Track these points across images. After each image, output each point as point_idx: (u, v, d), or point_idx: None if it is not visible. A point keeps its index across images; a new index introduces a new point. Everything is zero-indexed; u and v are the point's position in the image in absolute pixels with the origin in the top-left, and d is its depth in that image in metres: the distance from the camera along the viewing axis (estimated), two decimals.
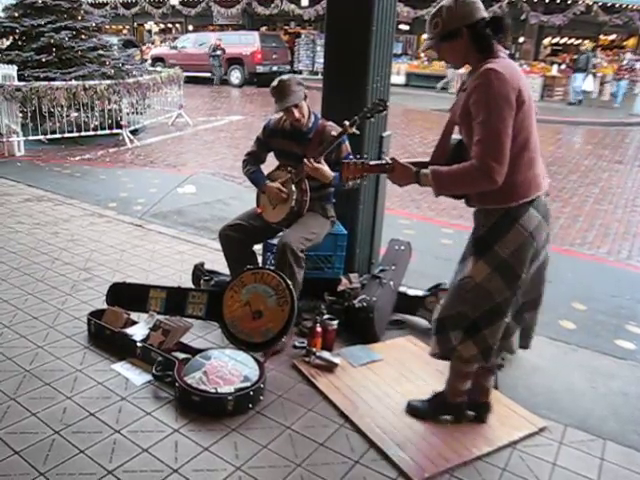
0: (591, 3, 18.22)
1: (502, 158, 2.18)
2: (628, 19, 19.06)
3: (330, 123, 3.50)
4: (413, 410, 2.84)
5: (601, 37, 26.35)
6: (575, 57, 18.37)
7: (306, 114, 3.48)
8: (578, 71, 17.55)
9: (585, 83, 17.49)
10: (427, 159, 2.52)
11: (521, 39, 22.74)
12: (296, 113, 3.42)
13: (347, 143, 3.48)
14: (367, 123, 3.56)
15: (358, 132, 3.31)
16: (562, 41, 25.94)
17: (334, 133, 3.33)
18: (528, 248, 2.34)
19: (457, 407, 2.78)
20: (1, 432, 2.58)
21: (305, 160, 3.31)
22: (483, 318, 2.44)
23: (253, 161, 3.71)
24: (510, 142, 2.19)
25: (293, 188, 3.43)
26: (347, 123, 3.20)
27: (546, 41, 24.65)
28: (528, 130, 2.28)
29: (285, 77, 3.47)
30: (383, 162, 2.50)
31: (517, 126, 2.22)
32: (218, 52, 20.53)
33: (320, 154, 3.32)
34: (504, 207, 2.31)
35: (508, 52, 2.35)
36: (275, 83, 3.45)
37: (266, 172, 3.68)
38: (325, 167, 3.34)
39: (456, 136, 2.48)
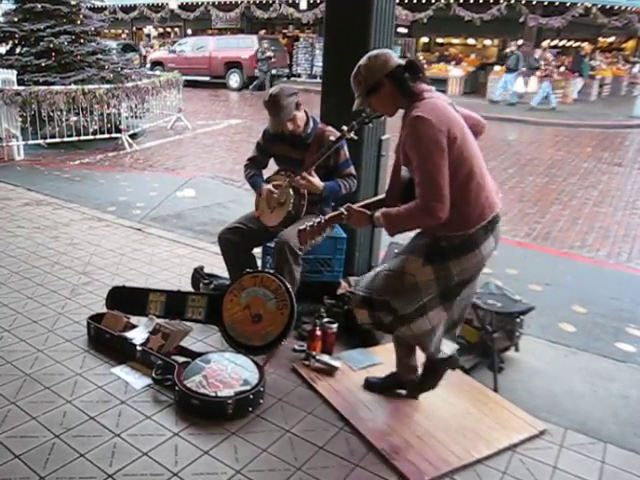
0: (590, 5, 18.25)
1: (441, 197, 2.32)
2: (627, 21, 19.11)
3: (329, 128, 3.50)
4: (370, 385, 3.03)
5: (600, 39, 26.36)
6: (506, 57, 17.99)
7: (302, 123, 3.49)
8: (509, 72, 17.35)
9: (516, 84, 17.25)
10: (382, 196, 2.72)
11: (520, 41, 22.76)
12: (290, 126, 3.44)
13: (345, 149, 3.48)
14: (366, 127, 3.56)
15: (356, 137, 3.31)
16: (561, 44, 25.95)
17: (333, 138, 3.33)
18: (475, 270, 2.57)
19: (410, 383, 2.96)
20: (1, 436, 2.58)
21: (297, 178, 3.32)
22: (410, 315, 2.60)
23: (254, 166, 3.73)
24: (449, 178, 2.34)
25: (291, 192, 3.44)
26: (345, 128, 3.20)
27: (545, 43, 24.63)
28: (469, 161, 2.42)
29: (274, 91, 3.43)
30: (338, 212, 2.65)
31: (456, 162, 2.37)
32: (268, 54, 20.32)
33: (317, 159, 3.32)
34: (465, 233, 2.46)
35: (433, 89, 2.52)
36: (266, 98, 3.46)
37: (267, 176, 3.69)
38: (315, 179, 3.37)
39: (405, 173, 2.59)
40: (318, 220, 2.69)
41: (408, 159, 2.42)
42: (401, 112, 2.53)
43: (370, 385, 3.05)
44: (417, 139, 2.34)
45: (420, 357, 2.91)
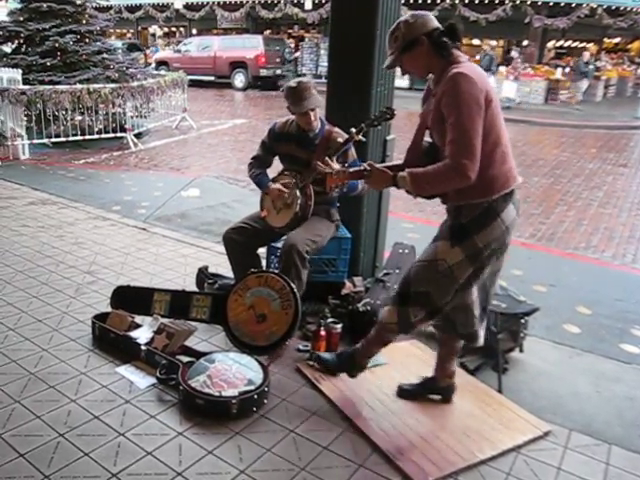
0: (595, 6, 18.22)
1: (473, 156, 2.30)
2: (632, 22, 19.06)
3: (337, 129, 3.50)
4: (405, 392, 2.98)
5: (605, 40, 26.31)
6: (478, 57, 17.84)
7: (318, 119, 3.49)
8: None
9: (504, 89, 17.19)
10: (399, 162, 2.66)
11: (525, 42, 22.73)
12: (312, 117, 3.44)
13: (353, 150, 3.48)
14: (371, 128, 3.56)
15: (364, 139, 3.31)
16: (566, 44, 25.91)
17: (340, 140, 3.33)
18: (502, 241, 2.51)
19: (447, 388, 2.95)
20: (6, 434, 2.59)
21: (319, 162, 3.28)
22: (448, 304, 2.58)
23: (259, 165, 3.71)
24: (481, 140, 2.33)
25: (297, 193, 3.43)
26: (353, 130, 3.19)
27: (550, 44, 24.62)
28: (499, 127, 2.42)
29: (304, 79, 3.48)
30: (361, 168, 2.60)
31: (488, 124, 2.35)
32: (295, 55, 20.22)
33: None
34: (487, 200, 2.44)
35: (467, 58, 2.50)
36: (294, 84, 3.44)
37: (272, 176, 3.69)
38: (337, 167, 3.33)
39: (427, 139, 2.60)
40: (343, 169, 2.64)
41: (441, 118, 2.37)
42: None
43: (405, 393, 2.98)
44: (458, 94, 2.30)
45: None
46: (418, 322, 2.66)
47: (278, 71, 21.52)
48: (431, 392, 2.97)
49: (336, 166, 3.27)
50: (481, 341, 2.76)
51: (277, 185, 3.53)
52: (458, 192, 2.44)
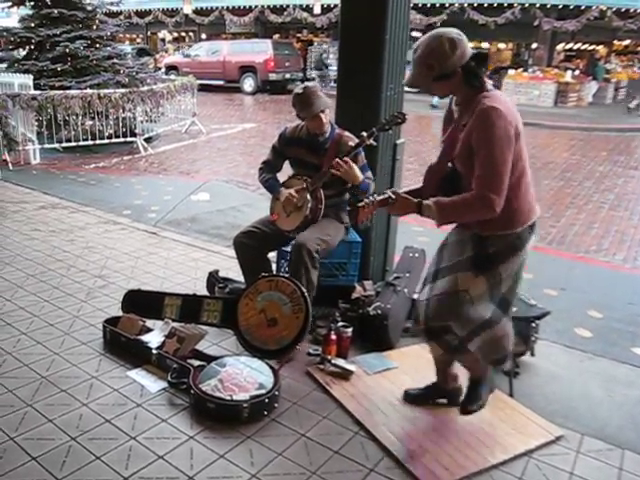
0: (605, 8, 18.15)
1: (501, 191, 2.31)
2: None
3: (347, 133, 3.50)
4: (410, 397, 2.97)
5: (615, 42, 26.20)
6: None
7: (328, 122, 3.50)
8: None
9: None
10: (418, 185, 2.65)
11: (534, 45, 22.68)
12: (323, 119, 3.44)
13: (363, 154, 3.47)
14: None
15: (375, 143, 3.31)
16: (576, 47, 25.82)
17: (351, 144, 3.32)
18: (521, 269, 2.54)
19: (453, 392, 2.93)
20: (18, 438, 2.60)
21: (338, 160, 3.27)
22: (471, 333, 2.55)
23: (269, 169, 3.72)
24: (509, 174, 2.32)
25: (308, 197, 3.44)
26: (365, 134, 3.19)
27: (559, 47, 24.53)
28: (523, 159, 2.42)
29: (310, 84, 3.48)
30: (386, 196, 2.56)
31: (516, 156, 2.36)
32: (328, 61, 20.23)
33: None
34: (513, 231, 2.46)
35: (492, 83, 2.45)
36: (300, 90, 3.45)
37: (281, 180, 3.70)
38: (356, 168, 3.33)
39: (449, 164, 2.57)
40: (372, 200, 2.61)
41: (470, 151, 2.36)
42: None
43: (410, 398, 2.97)
44: (491, 130, 2.27)
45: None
46: (459, 344, 2.62)
47: (287, 75, 21.56)
48: (437, 396, 2.96)
49: (356, 167, 3.27)
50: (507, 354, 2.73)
51: (288, 190, 3.53)
52: (482, 223, 2.43)
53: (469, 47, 2.39)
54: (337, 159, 3.27)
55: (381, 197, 2.58)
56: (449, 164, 2.56)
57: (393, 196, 2.54)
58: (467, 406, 2.76)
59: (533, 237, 2.53)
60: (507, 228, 2.45)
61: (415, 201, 2.49)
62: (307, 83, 3.52)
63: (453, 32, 2.37)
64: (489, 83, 2.42)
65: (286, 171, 3.77)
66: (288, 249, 3.69)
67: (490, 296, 2.52)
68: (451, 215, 2.45)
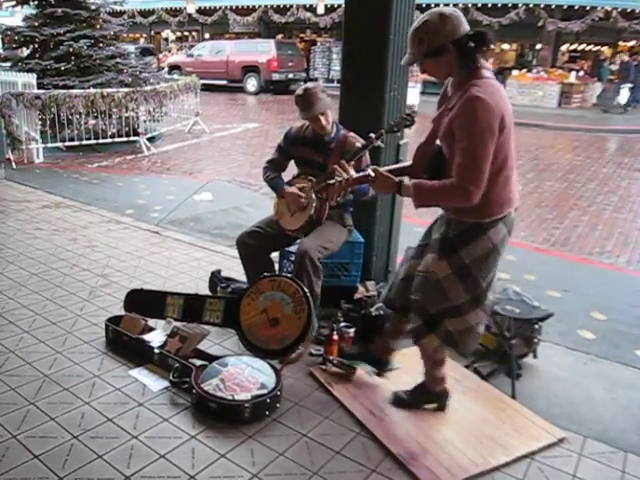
0: (610, 9, 18.10)
1: (480, 182, 2.30)
2: None
3: (352, 134, 3.50)
4: (397, 400, 2.93)
5: (620, 43, 26.11)
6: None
7: (331, 122, 3.49)
8: None
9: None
10: (408, 163, 2.65)
11: (538, 46, 22.64)
12: (323, 121, 3.44)
13: (367, 155, 3.46)
14: None
15: (382, 145, 3.31)
16: (580, 48, 25.76)
17: (358, 145, 3.32)
18: (491, 258, 2.50)
19: (437, 395, 2.89)
20: (21, 436, 2.60)
21: (336, 166, 3.27)
22: (440, 314, 2.56)
23: (274, 168, 3.72)
24: (489, 166, 2.30)
25: (313, 197, 3.43)
26: (373, 136, 3.18)
27: (564, 48, 24.49)
28: (507, 150, 2.38)
29: (310, 85, 3.48)
30: (365, 174, 2.56)
31: (497, 148, 2.32)
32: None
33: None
34: (479, 222, 2.45)
35: (492, 69, 2.42)
36: (300, 92, 3.45)
37: (286, 180, 3.69)
38: (353, 172, 3.33)
39: (437, 143, 2.56)
40: (347, 177, 2.61)
41: (451, 136, 2.35)
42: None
43: (397, 401, 2.95)
44: (473, 121, 2.25)
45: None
46: (417, 329, 2.65)
47: (290, 75, 21.57)
48: (424, 401, 2.93)
49: (352, 171, 3.27)
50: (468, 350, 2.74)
51: (294, 189, 3.53)
52: (455, 209, 2.47)
53: (464, 24, 2.33)
54: (338, 163, 3.27)
55: (359, 175, 2.59)
56: (437, 143, 2.55)
57: (373, 174, 2.54)
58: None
59: (501, 225, 2.47)
60: (475, 217, 2.44)
61: (396, 180, 2.50)
62: (308, 84, 3.52)
63: (449, 9, 2.35)
64: (487, 69, 2.36)
65: (290, 171, 3.77)
66: (291, 249, 3.69)
67: (459, 281, 2.50)
68: (428, 199, 2.45)
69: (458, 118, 2.31)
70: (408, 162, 2.68)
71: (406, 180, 2.50)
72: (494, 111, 2.25)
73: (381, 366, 3.11)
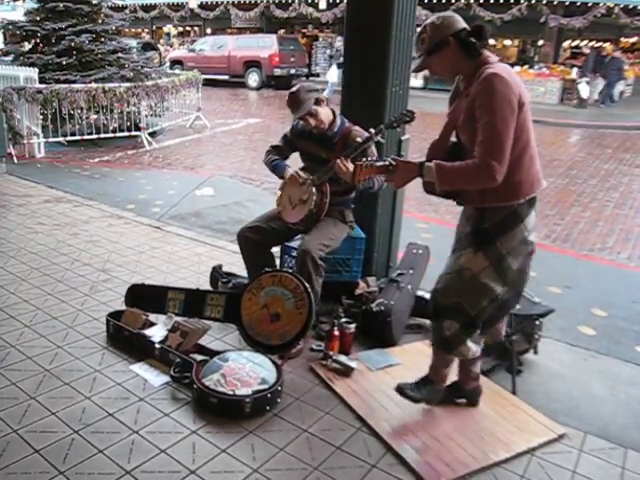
0: (612, 5, 18.02)
1: (503, 158, 2.30)
2: None
3: (356, 128, 3.49)
4: (402, 392, 2.87)
5: (622, 40, 26.05)
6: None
7: (325, 119, 3.47)
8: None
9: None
10: (423, 159, 2.61)
11: (540, 42, 22.58)
12: (311, 121, 3.44)
13: (373, 148, 3.45)
14: None
15: (383, 140, 3.30)
16: (582, 44, 25.70)
17: (359, 139, 3.32)
18: (525, 245, 2.51)
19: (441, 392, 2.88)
20: (21, 430, 2.61)
21: (338, 161, 3.27)
22: (482, 313, 2.55)
23: (276, 153, 3.73)
24: (511, 143, 2.32)
25: (314, 190, 3.43)
26: (373, 131, 3.18)
27: (566, 44, 24.43)
28: (528, 131, 2.41)
29: (295, 88, 3.48)
30: (386, 163, 2.55)
31: (519, 127, 2.35)
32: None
33: (345, 158, 3.30)
34: (512, 204, 2.43)
35: (497, 58, 2.47)
36: (287, 95, 3.49)
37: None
38: (352, 168, 3.33)
39: (452, 139, 2.60)
40: (371, 163, 2.58)
41: (473, 117, 2.36)
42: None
43: (401, 391, 2.88)
44: (493, 95, 2.28)
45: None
46: (453, 336, 2.60)
47: (292, 70, 21.53)
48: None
49: (351, 166, 3.27)
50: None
51: (293, 169, 3.56)
52: (483, 195, 2.44)
53: (460, 21, 2.46)
54: (339, 158, 3.27)
55: (380, 163, 2.57)
56: (452, 139, 2.57)
57: (394, 162, 2.53)
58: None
59: (533, 212, 2.50)
60: (507, 200, 2.43)
61: (416, 163, 2.50)
62: (292, 88, 3.51)
63: (445, 12, 2.52)
64: (493, 56, 2.43)
65: (294, 164, 3.77)
66: (292, 244, 3.68)
67: (498, 274, 2.50)
68: (451, 179, 2.43)
69: (478, 97, 2.34)
70: (421, 159, 2.66)
71: (429, 163, 2.48)
72: (511, 86, 2.30)
73: (472, 396, 2.93)
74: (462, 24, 2.45)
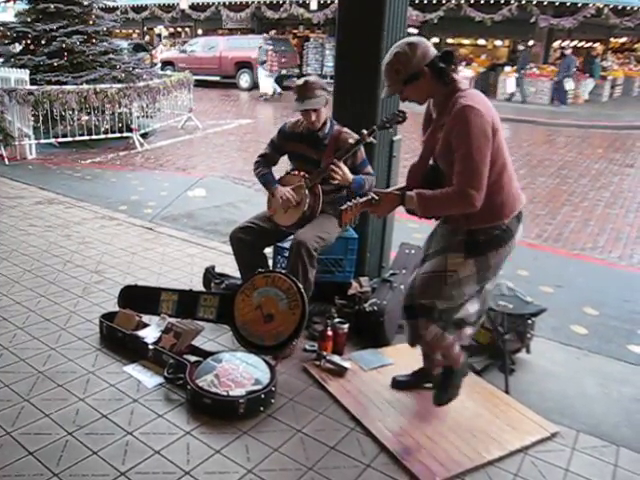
0: (602, 6, 18.12)
1: (481, 185, 2.38)
2: (639, 22, 18.95)
3: (346, 130, 3.50)
4: (398, 384, 3.03)
5: (612, 40, 26.19)
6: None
7: (322, 119, 3.49)
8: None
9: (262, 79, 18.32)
10: (402, 185, 2.71)
11: (530, 42, 22.66)
12: (312, 116, 3.44)
13: (362, 150, 3.48)
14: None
15: (375, 141, 3.31)
16: (572, 44, 25.82)
17: (351, 141, 3.33)
18: (506, 256, 2.63)
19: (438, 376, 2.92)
20: (15, 433, 2.60)
21: (331, 165, 3.29)
22: (451, 310, 2.63)
23: (265, 163, 3.72)
24: (488, 169, 2.40)
25: (306, 193, 3.43)
26: (365, 132, 3.20)
27: (556, 44, 24.51)
28: (503, 152, 2.49)
29: (312, 78, 3.48)
30: (369, 198, 2.60)
31: (495, 152, 2.43)
32: None
33: (337, 160, 3.32)
34: (499, 223, 2.53)
35: (465, 80, 2.51)
36: (301, 82, 3.46)
37: (278, 176, 3.69)
38: (346, 170, 3.36)
39: (430, 162, 2.64)
40: (355, 203, 2.60)
41: (449, 148, 2.42)
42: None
43: (399, 384, 3.05)
44: (468, 128, 2.34)
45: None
46: (429, 334, 2.63)
47: (283, 71, 21.50)
48: (425, 381, 3.03)
49: (345, 168, 3.29)
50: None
51: (287, 189, 3.53)
52: (468, 218, 2.50)
53: (431, 48, 2.50)
54: (332, 161, 3.28)
55: (364, 199, 2.62)
56: (430, 161, 2.62)
57: (377, 197, 2.59)
58: (442, 397, 2.80)
59: (520, 226, 2.61)
60: (492, 221, 2.52)
61: (398, 194, 2.57)
62: (310, 77, 3.51)
63: (414, 37, 2.53)
64: (463, 82, 2.50)
65: (282, 166, 3.77)
66: (285, 245, 3.69)
67: (478, 280, 2.60)
68: (432, 207, 2.51)
69: (453, 129, 2.40)
70: (401, 184, 2.74)
71: (410, 192, 2.53)
72: (485, 117, 2.38)
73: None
74: (433, 51, 2.49)
